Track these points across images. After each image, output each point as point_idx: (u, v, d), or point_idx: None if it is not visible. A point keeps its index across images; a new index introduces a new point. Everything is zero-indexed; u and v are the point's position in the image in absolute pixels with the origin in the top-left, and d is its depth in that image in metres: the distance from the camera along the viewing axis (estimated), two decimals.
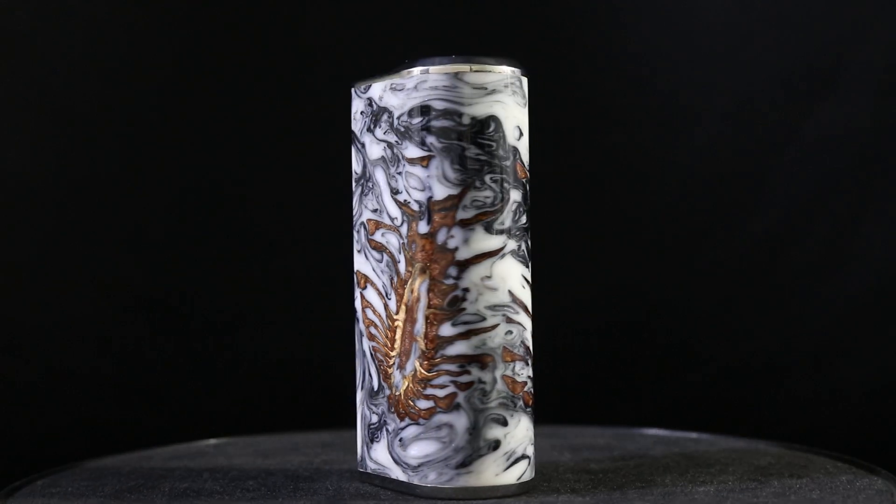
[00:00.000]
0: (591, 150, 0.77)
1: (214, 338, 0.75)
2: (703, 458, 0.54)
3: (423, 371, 0.46)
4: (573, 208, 0.76)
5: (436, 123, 0.46)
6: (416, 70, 0.46)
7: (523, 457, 0.46)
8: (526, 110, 0.47)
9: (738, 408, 0.75)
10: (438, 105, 0.46)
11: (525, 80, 0.47)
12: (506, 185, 0.46)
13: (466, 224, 0.46)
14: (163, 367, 0.74)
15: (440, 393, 0.46)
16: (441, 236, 0.46)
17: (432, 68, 0.46)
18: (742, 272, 0.75)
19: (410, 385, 0.46)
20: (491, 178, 0.46)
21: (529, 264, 0.47)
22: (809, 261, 0.74)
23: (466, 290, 0.46)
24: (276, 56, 0.75)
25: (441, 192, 0.46)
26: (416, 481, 0.46)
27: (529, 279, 0.47)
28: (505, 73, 0.46)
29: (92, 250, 0.73)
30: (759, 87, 0.75)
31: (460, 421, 0.45)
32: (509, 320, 0.46)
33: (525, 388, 0.46)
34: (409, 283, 0.46)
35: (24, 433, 0.71)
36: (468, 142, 0.46)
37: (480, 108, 0.46)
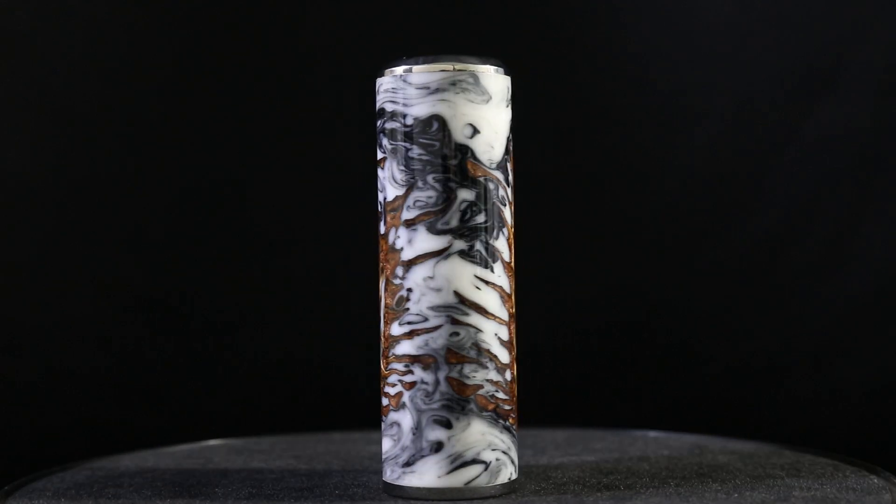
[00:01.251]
0: (591, 150, 0.77)
1: (214, 338, 0.75)
2: (701, 460, 0.54)
3: (383, 369, 0.47)
4: (573, 208, 0.76)
5: (387, 125, 0.46)
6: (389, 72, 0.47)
7: (475, 461, 0.46)
8: (492, 106, 0.46)
9: (738, 408, 0.75)
10: (388, 107, 0.46)
11: (494, 77, 0.46)
12: (451, 184, 0.46)
13: (410, 224, 0.46)
14: (163, 367, 0.74)
15: (392, 391, 0.46)
16: (391, 236, 0.46)
17: (387, 70, 0.46)
18: (742, 272, 0.75)
19: (382, 382, 0.47)
20: (434, 178, 0.46)
21: (493, 264, 0.46)
22: (809, 261, 0.74)
23: (410, 290, 0.46)
24: (276, 56, 0.75)
25: (391, 192, 0.46)
26: (383, 477, 0.47)
27: (496, 280, 0.46)
28: (452, 70, 0.46)
29: (92, 250, 0.73)
30: (759, 87, 0.75)
31: (406, 420, 0.46)
32: (455, 322, 0.46)
33: (481, 392, 0.46)
34: (380, 282, 0.47)
35: (24, 433, 0.71)
36: (412, 142, 0.46)
37: (422, 108, 0.46)
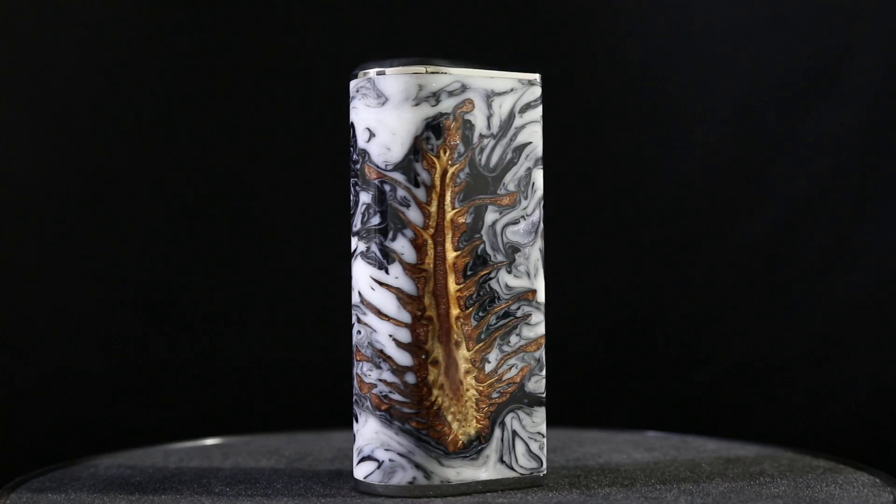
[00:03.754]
0: (591, 150, 0.77)
1: (214, 338, 0.75)
2: (701, 460, 0.54)
3: None
4: (572, 210, 0.76)
5: None
6: None
7: (369, 458, 0.47)
8: (389, 108, 0.46)
9: (738, 408, 0.75)
10: None
11: (392, 78, 0.46)
12: (357, 188, 0.47)
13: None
14: (163, 367, 0.74)
15: None
16: None
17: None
18: (742, 272, 0.75)
19: None
20: (353, 183, 0.47)
21: (388, 266, 0.46)
22: (809, 261, 0.74)
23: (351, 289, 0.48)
24: (275, 57, 0.75)
25: None
26: None
27: (391, 282, 0.46)
28: (358, 78, 0.47)
29: (92, 250, 0.73)
30: (760, 87, 0.75)
31: None
32: (359, 321, 0.47)
33: (375, 391, 0.46)
34: None
35: (24, 432, 0.71)
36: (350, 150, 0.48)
37: (351, 117, 0.47)
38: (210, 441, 0.61)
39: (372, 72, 0.46)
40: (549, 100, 0.75)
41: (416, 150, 0.46)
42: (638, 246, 0.77)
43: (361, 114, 0.47)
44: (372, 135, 0.46)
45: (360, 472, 0.47)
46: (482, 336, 0.47)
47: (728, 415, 0.74)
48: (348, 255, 0.49)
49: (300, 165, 0.75)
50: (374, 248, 0.46)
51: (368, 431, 0.47)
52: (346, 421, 0.68)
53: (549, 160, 0.74)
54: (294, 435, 0.63)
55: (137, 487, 0.49)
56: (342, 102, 0.73)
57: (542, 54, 0.75)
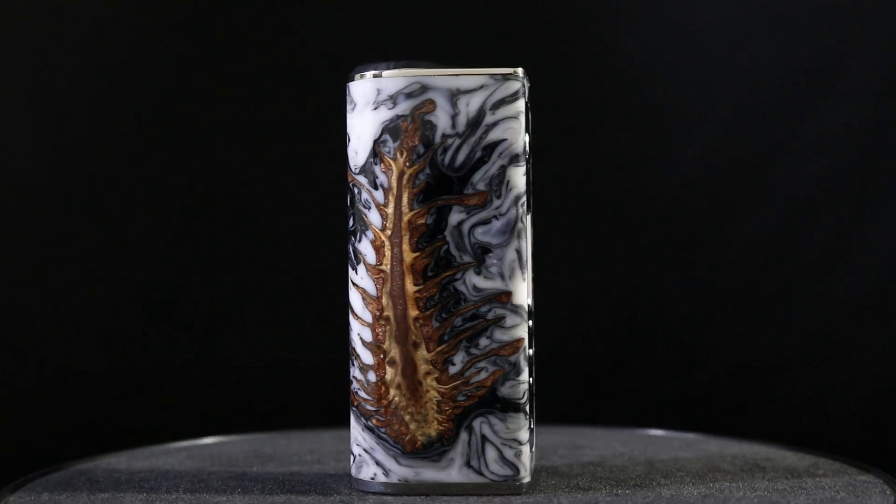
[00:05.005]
0: (591, 150, 0.77)
1: (214, 338, 0.75)
2: (701, 458, 0.54)
3: None
4: (573, 210, 0.76)
5: None
6: None
7: (351, 452, 0.48)
8: (356, 113, 0.47)
9: (738, 408, 0.75)
10: None
11: (359, 83, 0.47)
12: (347, 191, 0.48)
13: None
14: (163, 367, 0.74)
15: None
16: None
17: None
18: (742, 272, 0.75)
19: None
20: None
21: (357, 266, 0.47)
22: (809, 261, 0.74)
23: None
24: (274, 56, 0.75)
25: None
26: None
27: (358, 281, 0.47)
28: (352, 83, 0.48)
29: (92, 250, 0.73)
30: (760, 87, 0.75)
31: None
32: (347, 319, 0.48)
33: (352, 387, 0.48)
34: None
35: (25, 433, 0.71)
36: None
37: None
38: (210, 441, 0.62)
39: (349, 78, 0.48)
40: (549, 100, 0.75)
41: (375, 153, 0.47)
42: (638, 246, 0.76)
43: (346, 120, 0.48)
44: (348, 140, 0.48)
45: (350, 464, 0.48)
46: (445, 337, 0.46)
47: (728, 415, 0.74)
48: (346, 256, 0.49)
49: (300, 166, 0.75)
50: (350, 249, 0.48)
51: (351, 426, 0.48)
52: (346, 421, 0.68)
53: (550, 160, 0.75)
54: (294, 435, 0.63)
55: (138, 487, 0.49)
56: (341, 103, 0.73)
57: (542, 54, 0.75)
